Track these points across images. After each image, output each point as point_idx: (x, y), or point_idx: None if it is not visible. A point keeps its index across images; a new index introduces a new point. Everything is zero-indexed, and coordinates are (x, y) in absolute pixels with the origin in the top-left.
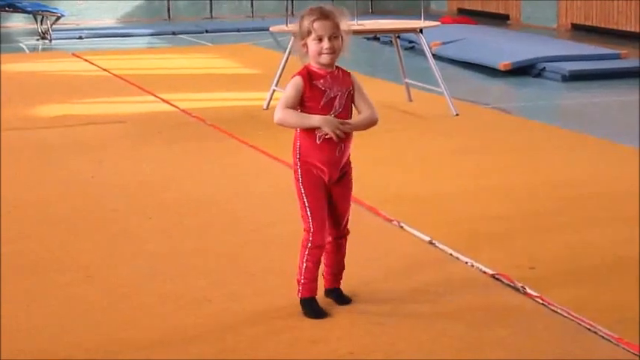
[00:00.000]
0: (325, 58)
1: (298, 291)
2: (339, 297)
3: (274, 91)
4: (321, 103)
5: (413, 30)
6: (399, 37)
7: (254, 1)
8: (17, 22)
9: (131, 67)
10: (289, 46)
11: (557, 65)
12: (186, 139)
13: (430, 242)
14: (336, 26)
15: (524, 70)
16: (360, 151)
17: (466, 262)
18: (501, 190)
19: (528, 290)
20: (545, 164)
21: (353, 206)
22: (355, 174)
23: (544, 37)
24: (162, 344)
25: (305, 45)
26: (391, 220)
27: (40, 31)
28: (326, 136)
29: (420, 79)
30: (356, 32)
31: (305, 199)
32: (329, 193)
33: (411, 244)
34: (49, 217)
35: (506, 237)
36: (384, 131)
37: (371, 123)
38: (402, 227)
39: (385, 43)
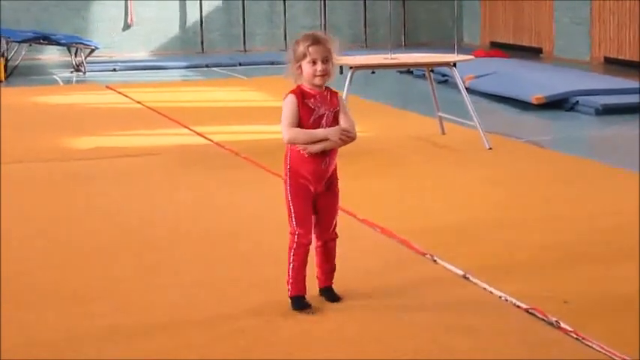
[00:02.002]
0: (318, 80)
1: (288, 290)
2: (331, 295)
3: None
4: (310, 120)
5: (446, 64)
6: (432, 70)
7: (287, 34)
8: (51, 55)
9: (165, 100)
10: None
11: (590, 99)
12: (219, 171)
13: (464, 276)
14: (329, 51)
15: (557, 104)
16: (391, 183)
17: (500, 297)
18: (534, 223)
19: (562, 324)
20: (578, 197)
21: (384, 239)
22: (387, 205)
23: (577, 70)
24: None
25: (300, 67)
26: (424, 254)
27: (74, 63)
28: (312, 152)
29: (453, 113)
30: (390, 65)
31: (291, 204)
32: (315, 201)
33: (444, 278)
34: (83, 247)
35: (540, 269)
36: (417, 163)
37: (350, 139)
38: (435, 261)
39: (418, 76)
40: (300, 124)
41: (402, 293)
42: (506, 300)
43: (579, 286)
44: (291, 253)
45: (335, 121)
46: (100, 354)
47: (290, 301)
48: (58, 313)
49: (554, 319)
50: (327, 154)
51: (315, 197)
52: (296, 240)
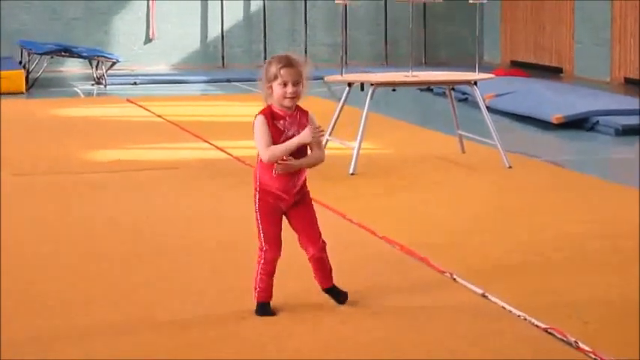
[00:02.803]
0: (288, 102)
1: (254, 296)
2: (336, 293)
3: (328, 140)
4: (280, 141)
5: (467, 82)
6: (453, 88)
7: (308, 51)
8: (73, 67)
9: (185, 114)
10: (344, 95)
11: (610, 119)
12: (239, 186)
13: (483, 295)
14: (300, 74)
15: (577, 124)
16: (411, 200)
17: (518, 316)
18: (554, 242)
19: (581, 345)
20: (598, 218)
21: (403, 256)
22: (407, 223)
23: (597, 90)
24: None
25: (270, 87)
26: (443, 272)
27: (95, 76)
28: (280, 172)
29: (473, 131)
30: (411, 83)
31: (259, 222)
32: (290, 218)
33: (463, 297)
34: (97, 256)
35: (559, 289)
36: (436, 181)
37: (317, 161)
38: (454, 279)
39: (438, 94)
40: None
41: (420, 312)
42: (525, 319)
43: (599, 307)
44: (259, 268)
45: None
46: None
47: (257, 306)
48: (71, 319)
49: (572, 339)
50: (294, 173)
51: (288, 213)
52: (264, 256)
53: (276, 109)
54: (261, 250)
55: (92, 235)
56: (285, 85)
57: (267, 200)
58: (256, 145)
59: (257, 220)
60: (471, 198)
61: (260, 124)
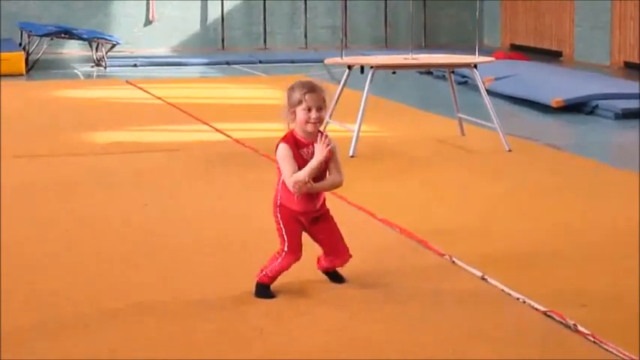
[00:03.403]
0: (311, 127)
1: (259, 275)
2: (334, 276)
3: (327, 123)
4: (302, 169)
5: (467, 65)
6: (453, 71)
7: (308, 33)
8: (72, 49)
9: (185, 96)
10: (344, 78)
11: (609, 103)
12: (239, 169)
13: (482, 278)
14: (323, 99)
15: (576, 108)
16: (411, 183)
17: (517, 299)
18: (553, 225)
19: (580, 328)
20: (596, 200)
21: (404, 239)
22: (405, 206)
23: (597, 74)
24: None
25: (294, 112)
26: (443, 254)
27: (95, 58)
28: (299, 193)
29: (473, 114)
30: (411, 66)
31: (283, 229)
32: (312, 234)
33: (462, 280)
34: (99, 239)
35: (559, 271)
36: (436, 164)
37: (334, 186)
38: (453, 262)
39: (438, 77)
40: None
41: (419, 294)
42: (524, 302)
43: (598, 287)
44: (276, 260)
45: (325, 167)
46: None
47: (258, 286)
48: (71, 311)
49: (571, 322)
50: (314, 194)
51: (309, 228)
52: (283, 258)
53: (299, 136)
54: (281, 250)
55: (92, 218)
56: (309, 110)
57: (287, 215)
58: (282, 173)
59: (279, 228)
60: (470, 181)
61: (284, 152)
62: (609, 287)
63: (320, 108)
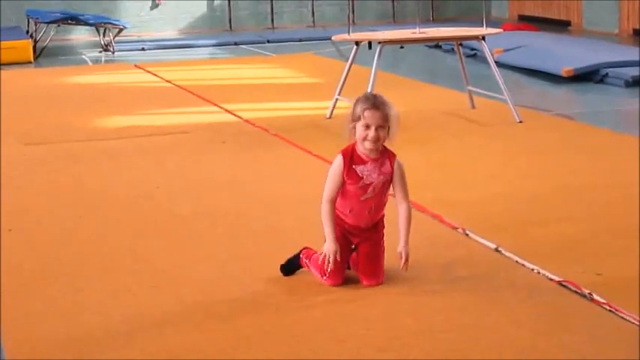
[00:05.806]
0: (368, 145)
1: (301, 256)
2: None
3: (337, 100)
4: (357, 186)
5: (475, 37)
6: (461, 44)
7: (315, 11)
8: (80, 35)
9: (194, 78)
10: (352, 54)
11: (619, 71)
12: (250, 149)
13: (496, 249)
14: (385, 117)
15: (586, 76)
16: (422, 157)
17: (532, 269)
18: (565, 195)
19: (595, 297)
20: (609, 169)
21: (415, 212)
22: (417, 180)
23: (606, 42)
24: (235, 350)
25: (354, 127)
26: (456, 228)
27: (102, 43)
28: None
29: (482, 87)
30: (419, 40)
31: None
32: (356, 249)
33: (476, 252)
34: (115, 223)
35: (572, 242)
36: (447, 137)
37: (410, 220)
38: (467, 235)
39: (447, 50)
40: (344, 188)
41: (433, 267)
42: (539, 273)
43: (612, 259)
44: (318, 270)
45: (385, 188)
46: (131, 333)
47: (289, 262)
48: (88, 285)
49: (587, 291)
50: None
51: (357, 246)
52: (325, 281)
53: (359, 151)
54: (322, 277)
55: (106, 202)
56: (367, 127)
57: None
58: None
59: None
60: (482, 153)
61: (333, 168)
62: (624, 253)
63: (380, 126)
